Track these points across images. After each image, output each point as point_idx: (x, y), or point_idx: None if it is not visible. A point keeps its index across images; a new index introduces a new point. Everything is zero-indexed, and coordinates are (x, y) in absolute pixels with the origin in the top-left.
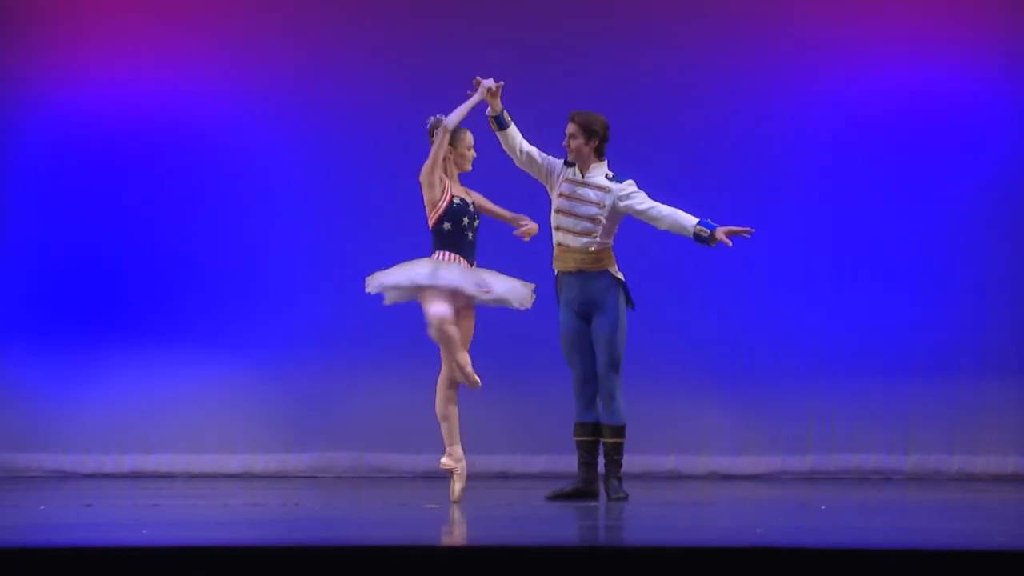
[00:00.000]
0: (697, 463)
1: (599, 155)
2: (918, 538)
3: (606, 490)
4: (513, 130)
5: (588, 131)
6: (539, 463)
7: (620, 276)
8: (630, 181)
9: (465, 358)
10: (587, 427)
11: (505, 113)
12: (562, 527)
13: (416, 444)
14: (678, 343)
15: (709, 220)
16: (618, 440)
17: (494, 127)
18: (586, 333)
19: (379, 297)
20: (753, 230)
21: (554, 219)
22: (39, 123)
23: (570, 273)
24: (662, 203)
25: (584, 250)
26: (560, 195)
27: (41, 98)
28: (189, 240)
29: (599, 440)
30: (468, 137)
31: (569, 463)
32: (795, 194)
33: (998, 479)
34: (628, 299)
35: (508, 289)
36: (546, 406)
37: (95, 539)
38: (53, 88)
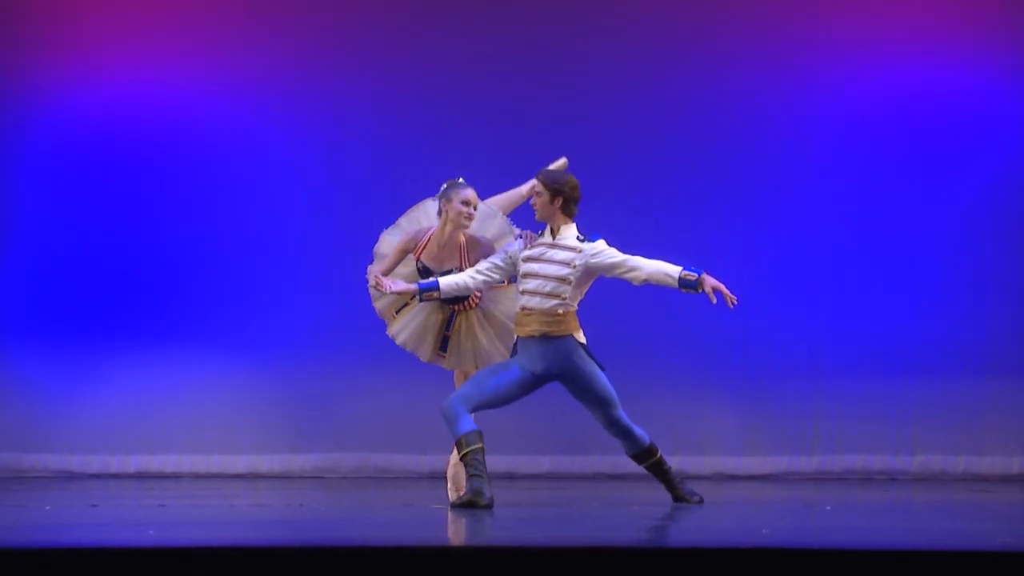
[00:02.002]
0: (703, 463)
1: (567, 215)
2: (923, 539)
3: (680, 500)
4: (448, 282)
5: (552, 189)
6: (544, 463)
7: (583, 340)
8: (601, 240)
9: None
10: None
11: (421, 286)
12: (567, 528)
13: (421, 444)
14: (683, 344)
15: (693, 268)
16: (653, 460)
17: (428, 298)
18: (527, 386)
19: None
20: (736, 301)
21: (521, 283)
22: (43, 123)
23: (531, 338)
24: (641, 256)
25: (551, 312)
26: (529, 259)
27: (45, 98)
28: (194, 240)
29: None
30: (459, 195)
31: (572, 463)
32: (800, 194)
33: (1004, 480)
34: (595, 360)
35: (474, 362)
36: (552, 407)
37: (100, 539)
38: (56, 88)
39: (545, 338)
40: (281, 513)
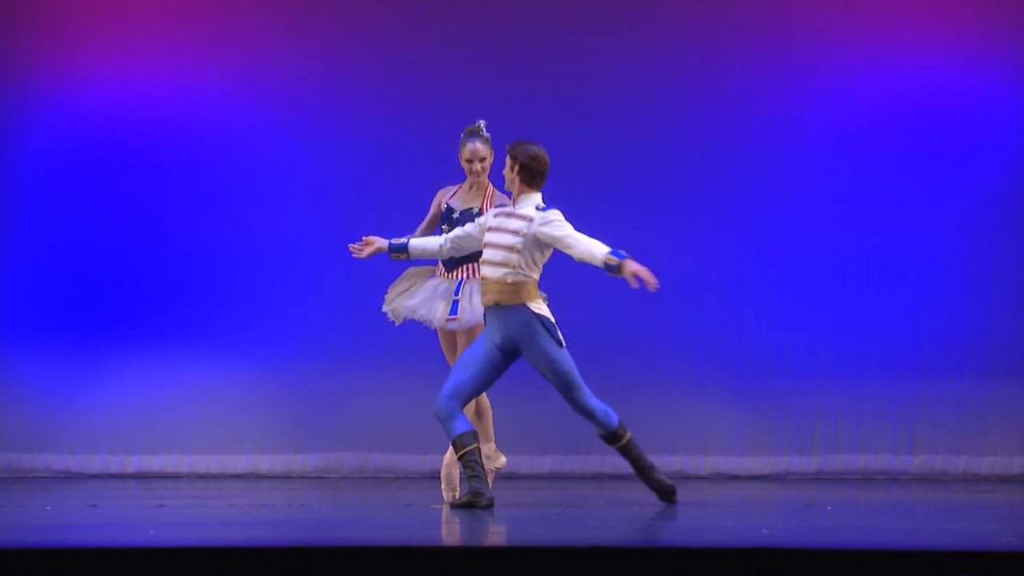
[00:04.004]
0: (703, 463)
1: (529, 185)
2: (924, 539)
3: (657, 491)
4: (417, 244)
5: (511, 156)
6: (545, 463)
7: (541, 311)
8: (554, 210)
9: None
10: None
11: (391, 244)
12: (568, 528)
13: (422, 445)
14: (684, 343)
15: (621, 251)
16: (620, 443)
17: (397, 257)
18: (496, 361)
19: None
20: (658, 286)
21: (483, 253)
22: (45, 123)
23: (489, 308)
24: (585, 235)
25: (502, 281)
26: (490, 228)
27: (47, 98)
28: (196, 240)
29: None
30: (466, 148)
31: (574, 463)
32: (801, 194)
33: (1005, 479)
34: (553, 336)
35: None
36: (552, 407)
37: (101, 540)
38: (58, 88)
39: (499, 307)
40: (282, 513)
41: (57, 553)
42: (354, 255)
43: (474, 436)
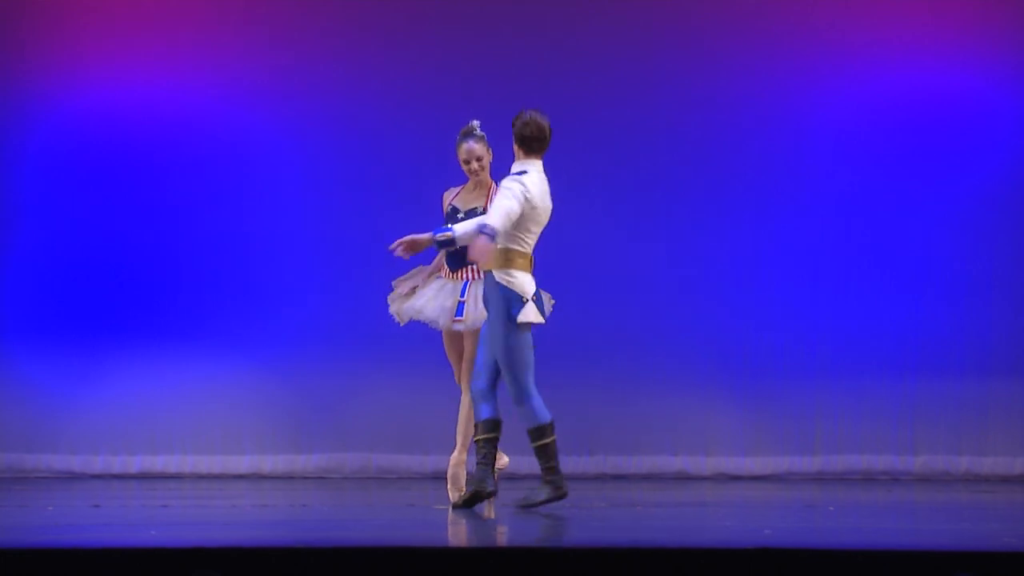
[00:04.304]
0: (705, 464)
1: (527, 153)
2: (925, 539)
3: (548, 487)
4: (462, 227)
5: (512, 129)
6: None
7: (506, 281)
8: (517, 178)
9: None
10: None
11: (438, 237)
12: (569, 529)
13: (424, 445)
14: (686, 344)
15: (487, 226)
16: (539, 443)
17: (446, 241)
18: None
19: (388, 295)
20: (401, 254)
21: None
22: (44, 123)
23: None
24: (502, 207)
25: (494, 248)
26: None
27: (46, 98)
28: (197, 239)
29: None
30: (462, 148)
31: (576, 463)
32: (802, 194)
33: (1006, 480)
34: (508, 311)
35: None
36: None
37: (103, 540)
38: (57, 88)
39: (481, 272)
40: (284, 514)
41: (59, 553)
42: (400, 255)
43: (494, 425)
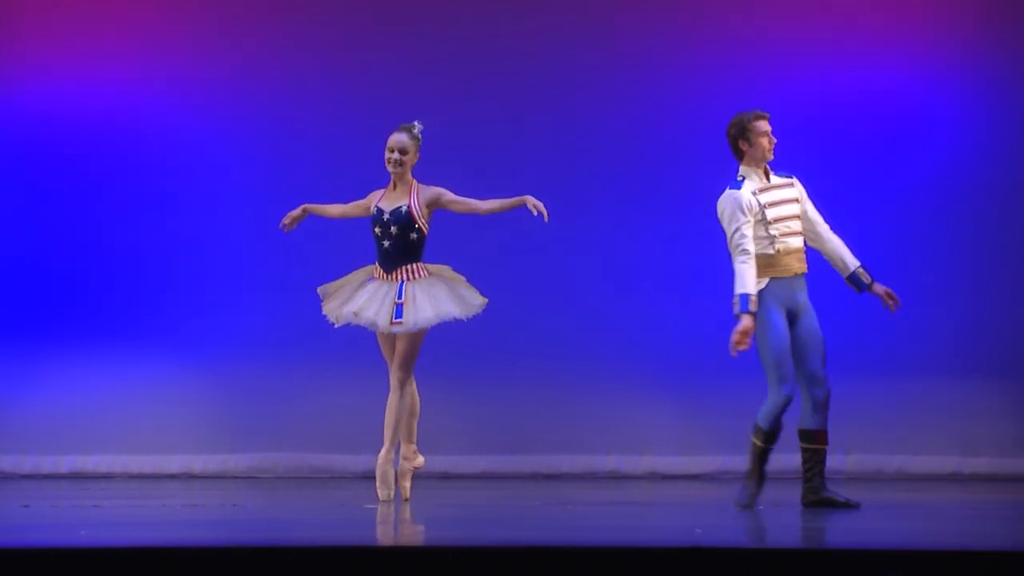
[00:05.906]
0: (638, 463)
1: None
2: (857, 538)
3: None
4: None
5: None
6: (480, 463)
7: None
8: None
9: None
10: None
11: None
12: (502, 528)
13: (356, 445)
14: (619, 343)
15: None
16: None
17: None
18: None
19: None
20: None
21: None
22: None
23: None
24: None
25: None
26: None
27: None
28: (130, 240)
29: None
30: (390, 138)
31: (509, 463)
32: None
33: (938, 479)
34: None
35: (434, 313)
36: (487, 407)
37: (33, 540)
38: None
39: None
40: (216, 513)
41: None
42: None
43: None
